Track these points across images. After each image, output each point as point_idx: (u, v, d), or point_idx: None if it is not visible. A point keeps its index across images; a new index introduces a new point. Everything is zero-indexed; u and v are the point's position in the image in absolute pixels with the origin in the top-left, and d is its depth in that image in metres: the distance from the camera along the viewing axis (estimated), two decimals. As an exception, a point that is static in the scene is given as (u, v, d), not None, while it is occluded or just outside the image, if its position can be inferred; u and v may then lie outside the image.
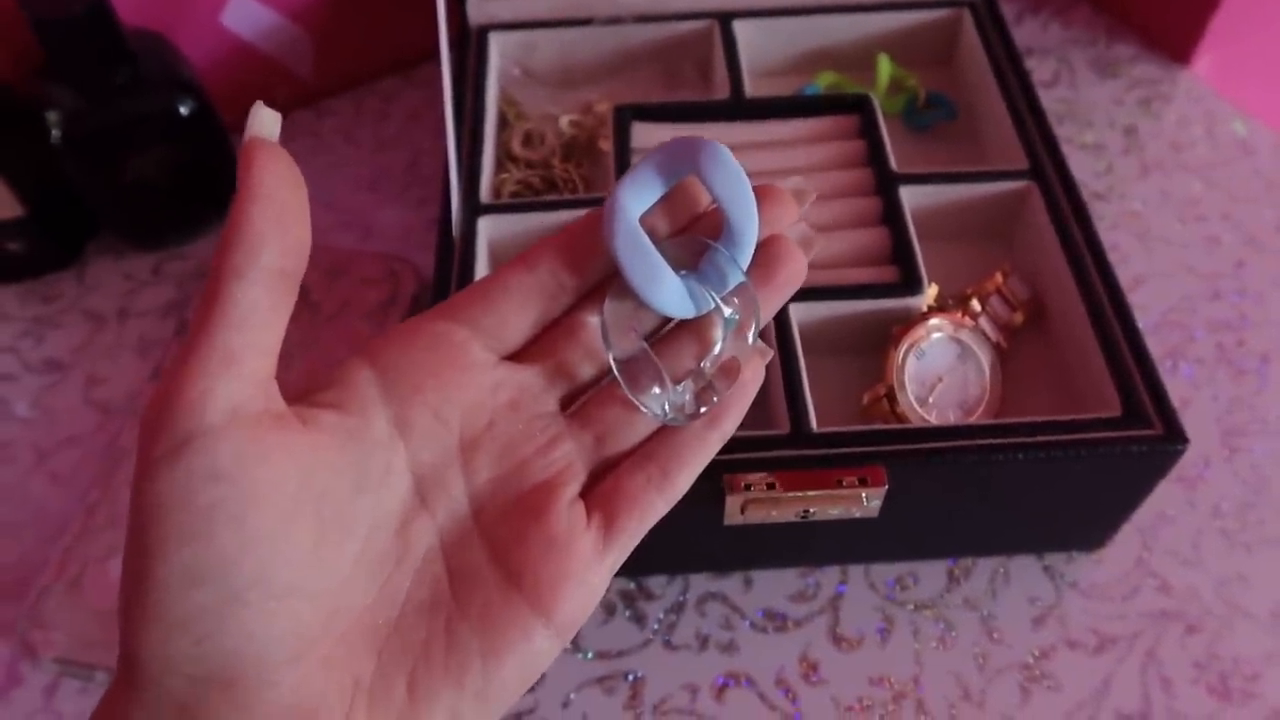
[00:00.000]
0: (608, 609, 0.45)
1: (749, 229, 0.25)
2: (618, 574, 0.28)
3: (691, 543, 0.44)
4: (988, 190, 0.50)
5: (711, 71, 0.59)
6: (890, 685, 0.43)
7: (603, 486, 0.25)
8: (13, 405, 0.52)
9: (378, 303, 0.53)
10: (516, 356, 0.26)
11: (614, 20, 0.59)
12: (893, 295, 0.46)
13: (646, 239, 0.25)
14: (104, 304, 0.56)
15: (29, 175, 0.53)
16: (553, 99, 0.59)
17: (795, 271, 0.26)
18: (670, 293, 0.25)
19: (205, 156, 0.55)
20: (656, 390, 0.25)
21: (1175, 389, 0.50)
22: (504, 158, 0.55)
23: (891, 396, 0.44)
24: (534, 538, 0.24)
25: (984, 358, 0.46)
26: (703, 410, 0.25)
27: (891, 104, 0.58)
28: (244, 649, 0.20)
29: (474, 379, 0.25)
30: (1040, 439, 0.40)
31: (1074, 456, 0.40)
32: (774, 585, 0.46)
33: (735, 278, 0.25)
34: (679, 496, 0.26)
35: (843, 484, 0.39)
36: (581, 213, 0.31)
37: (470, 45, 0.57)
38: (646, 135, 0.52)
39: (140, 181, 0.53)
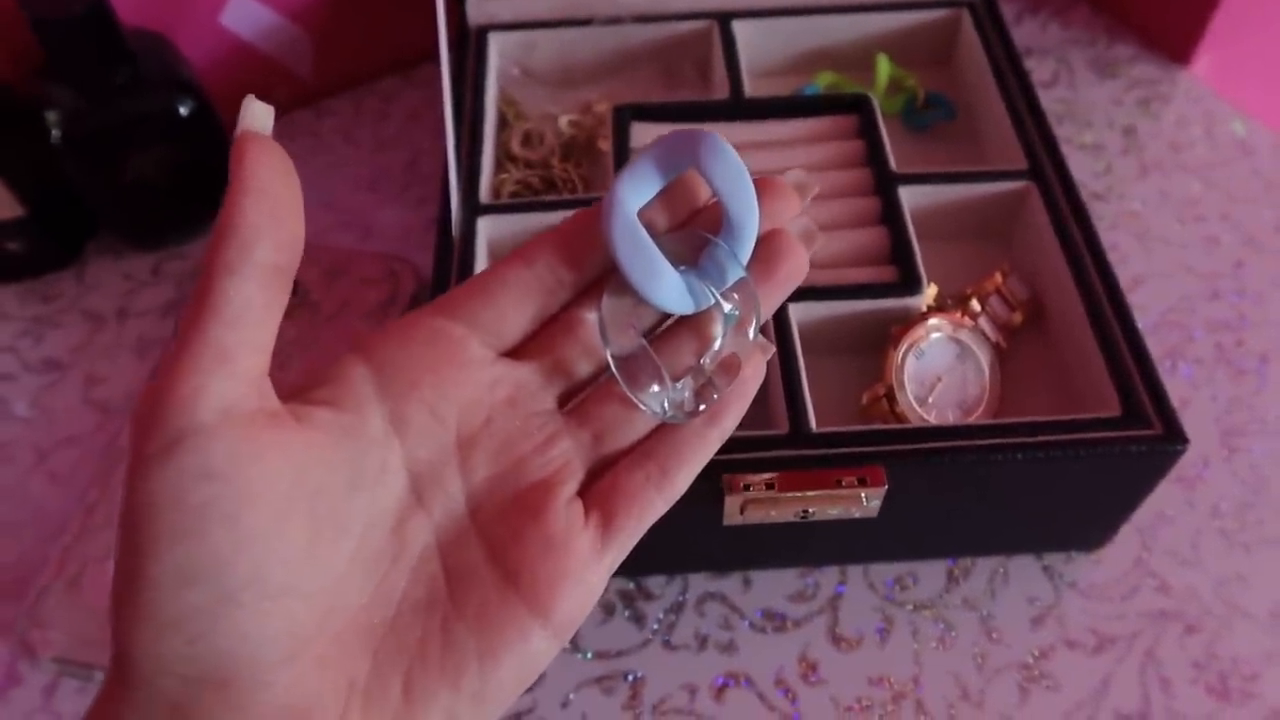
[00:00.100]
0: (607, 609, 0.45)
1: (749, 223, 0.25)
2: (616, 574, 0.28)
3: (690, 543, 0.44)
4: (987, 190, 0.50)
5: (711, 71, 0.59)
6: (889, 685, 0.43)
7: (601, 485, 0.25)
8: (12, 405, 0.52)
9: (377, 303, 0.53)
10: (514, 353, 0.25)
11: (613, 20, 0.59)
12: (892, 295, 0.46)
13: (645, 234, 0.24)
14: (103, 304, 0.56)
15: (29, 175, 0.53)
16: (552, 99, 0.59)
17: (797, 266, 0.26)
18: (669, 288, 0.25)
19: (205, 156, 0.55)
20: (655, 387, 0.25)
21: (1174, 389, 0.50)
22: (503, 158, 0.55)
23: (891, 396, 0.44)
24: (531, 536, 0.24)
25: (983, 358, 0.46)
26: (702, 407, 0.25)
27: (891, 104, 0.58)
28: (237, 649, 0.20)
29: (471, 375, 0.24)
30: (1039, 439, 0.40)
31: (1073, 456, 0.40)
32: (773, 585, 0.46)
33: (735, 273, 0.25)
34: (678, 495, 0.25)
35: (842, 484, 0.39)
36: (580, 212, 0.30)
37: (470, 45, 0.57)
38: (646, 135, 0.52)
39: (140, 181, 0.53)
